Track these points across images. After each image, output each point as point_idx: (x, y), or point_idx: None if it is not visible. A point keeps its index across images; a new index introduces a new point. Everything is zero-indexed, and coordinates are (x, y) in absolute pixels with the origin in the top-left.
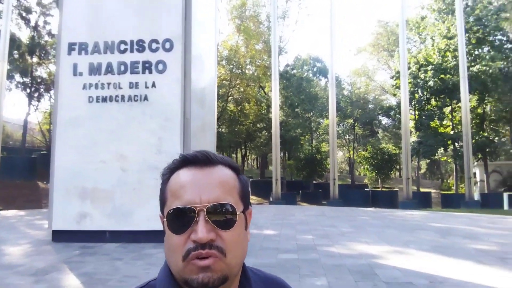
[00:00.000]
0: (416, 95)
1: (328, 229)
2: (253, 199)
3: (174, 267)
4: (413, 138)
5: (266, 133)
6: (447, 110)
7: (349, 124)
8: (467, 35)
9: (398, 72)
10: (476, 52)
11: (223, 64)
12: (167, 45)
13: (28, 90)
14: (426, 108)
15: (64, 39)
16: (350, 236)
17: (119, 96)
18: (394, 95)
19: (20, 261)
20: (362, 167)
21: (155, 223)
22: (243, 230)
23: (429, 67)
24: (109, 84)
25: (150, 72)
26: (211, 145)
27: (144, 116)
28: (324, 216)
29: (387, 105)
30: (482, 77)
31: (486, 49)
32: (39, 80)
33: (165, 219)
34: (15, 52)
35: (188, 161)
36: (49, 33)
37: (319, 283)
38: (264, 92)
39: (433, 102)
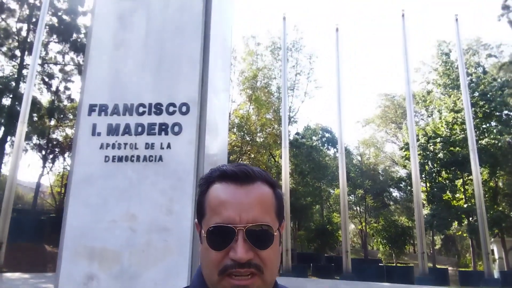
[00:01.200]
0: (427, 167)
1: None
2: None
3: (209, 280)
4: (426, 211)
5: None
6: (458, 182)
7: (359, 195)
8: (473, 109)
9: (407, 144)
10: (484, 126)
11: (234, 131)
12: (184, 109)
13: (43, 152)
14: (437, 180)
15: (86, 100)
16: None
17: (134, 156)
18: (404, 166)
19: None
20: (375, 240)
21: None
22: (277, 247)
23: (438, 140)
24: (125, 144)
25: (166, 133)
26: None
27: (157, 176)
28: None
29: (398, 176)
30: (492, 150)
31: (493, 123)
32: (54, 143)
33: (205, 235)
34: (35, 114)
35: (227, 175)
36: (69, 98)
37: None
38: (274, 159)
39: (444, 174)
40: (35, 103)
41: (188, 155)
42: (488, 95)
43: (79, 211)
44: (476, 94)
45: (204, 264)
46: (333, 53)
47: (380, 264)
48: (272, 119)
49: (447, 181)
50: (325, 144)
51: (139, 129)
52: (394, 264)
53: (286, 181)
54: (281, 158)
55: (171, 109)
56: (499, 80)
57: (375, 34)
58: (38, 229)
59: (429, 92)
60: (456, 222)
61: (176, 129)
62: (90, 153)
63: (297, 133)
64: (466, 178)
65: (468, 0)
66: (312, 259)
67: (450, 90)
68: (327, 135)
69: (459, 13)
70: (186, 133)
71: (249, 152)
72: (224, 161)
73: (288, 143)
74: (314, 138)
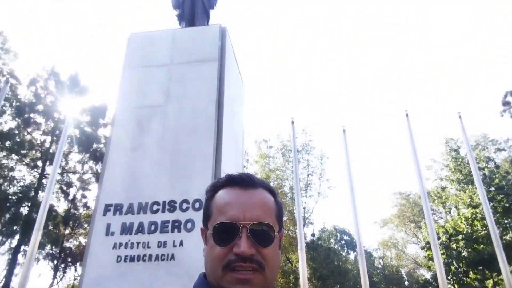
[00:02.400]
0: (452, 267)
1: None
2: None
3: (213, 276)
4: None
5: None
6: (489, 284)
7: None
8: (492, 204)
9: (428, 243)
10: (506, 221)
11: None
12: (197, 205)
13: (55, 262)
14: (465, 282)
15: (102, 201)
16: None
17: (146, 255)
18: (429, 267)
19: None
20: None
21: None
22: (278, 248)
23: (460, 237)
24: (138, 243)
25: (179, 231)
26: None
27: (169, 276)
28: None
29: (423, 279)
30: None
31: None
32: (67, 252)
33: (211, 232)
34: (50, 223)
35: (233, 180)
36: (85, 205)
37: None
38: (291, 263)
39: (471, 274)
40: (51, 211)
41: (201, 253)
42: (505, 188)
43: None
44: (492, 188)
45: (209, 262)
46: (342, 154)
47: None
48: (287, 220)
49: (476, 282)
50: (344, 247)
51: (153, 227)
52: None
53: (305, 286)
54: (297, 261)
55: (184, 205)
56: None
57: (382, 133)
58: None
59: (443, 189)
60: None
61: (189, 225)
62: (103, 254)
63: (313, 234)
64: (496, 278)
65: (469, 98)
66: None
67: (465, 185)
68: (345, 237)
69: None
70: (199, 230)
71: None
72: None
73: (305, 245)
74: (332, 240)
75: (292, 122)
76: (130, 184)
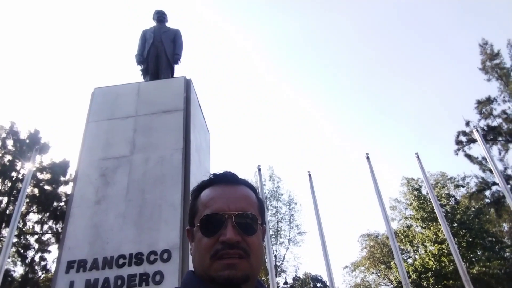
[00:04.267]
0: None
1: None
2: None
3: (201, 267)
4: None
5: None
6: None
7: None
8: (456, 239)
9: (399, 282)
10: (472, 255)
11: None
12: (165, 256)
13: None
14: None
15: (64, 257)
16: None
17: None
18: None
19: None
20: None
21: None
22: (261, 240)
23: (429, 273)
24: None
25: (147, 284)
26: None
27: None
28: None
29: None
30: (485, 278)
31: (479, 251)
32: None
33: (198, 225)
34: None
35: (217, 178)
36: (44, 268)
37: None
38: None
39: None
40: (7, 276)
41: None
42: (467, 223)
43: None
44: (455, 224)
45: (197, 255)
46: (309, 198)
47: None
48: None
49: None
50: None
51: (119, 282)
52: None
53: None
54: None
55: (152, 257)
56: (472, 209)
57: (346, 175)
58: None
59: (409, 227)
60: None
61: (158, 278)
62: None
63: (285, 283)
64: None
65: (424, 138)
66: None
67: (429, 222)
68: (318, 285)
69: (419, 151)
70: (168, 282)
71: None
72: None
73: None
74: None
75: (259, 169)
76: (94, 238)
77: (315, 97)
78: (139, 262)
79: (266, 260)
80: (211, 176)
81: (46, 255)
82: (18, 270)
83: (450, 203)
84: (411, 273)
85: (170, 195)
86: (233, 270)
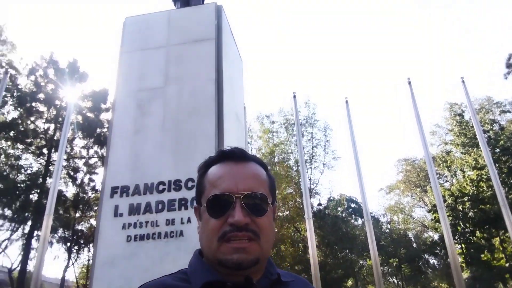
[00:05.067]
0: (459, 228)
1: None
2: None
3: (208, 249)
4: (466, 274)
5: (306, 276)
6: (496, 241)
7: (394, 264)
8: (497, 165)
9: (434, 206)
10: (511, 181)
11: None
12: None
13: (68, 244)
14: (472, 241)
15: (108, 184)
16: None
17: (156, 233)
18: (436, 229)
19: None
20: None
21: None
22: (272, 219)
23: (466, 198)
24: (147, 222)
25: (186, 208)
26: None
27: (179, 251)
28: None
29: (430, 241)
30: None
31: None
32: (79, 234)
33: (205, 205)
34: (60, 207)
35: (225, 155)
36: (93, 189)
37: None
38: (300, 233)
39: (478, 234)
40: (60, 196)
41: None
42: (510, 149)
43: None
44: (497, 150)
45: (204, 236)
46: (346, 124)
47: None
48: (293, 192)
49: (483, 241)
50: (352, 215)
51: (160, 206)
52: None
53: (313, 253)
54: (306, 230)
55: (189, 184)
56: None
57: (385, 102)
58: None
59: (448, 153)
60: (501, 284)
61: (195, 203)
62: (113, 235)
63: (320, 204)
64: (503, 236)
65: (472, 62)
66: None
67: (469, 148)
68: (353, 205)
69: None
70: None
71: None
72: None
73: (312, 215)
74: (339, 208)
75: (294, 96)
76: (135, 166)
77: (354, 19)
78: (177, 188)
79: (301, 183)
80: (219, 151)
81: (94, 176)
82: (70, 191)
83: (494, 128)
84: (447, 197)
85: (204, 126)
86: (243, 254)
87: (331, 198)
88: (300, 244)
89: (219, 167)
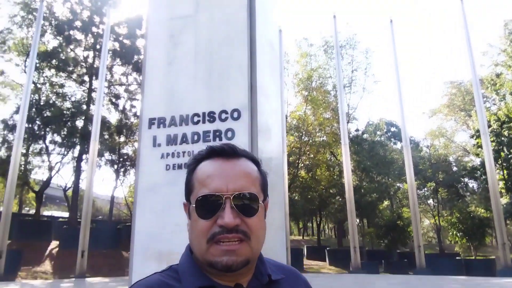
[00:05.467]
0: (502, 154)
1: None
2: (331, 269)
3: (198, 250)
4: (505, 200)
5: (340, 199)
6: None
7: (431, 188)
8: None
9: (478, 131)
10: None
11: (292, 133)
12: (235, 115)
13: (115, 167)
14: None
15: (145, 115)
16: None
17: None
18: (477, 155)
19: None
20: (450, 233)
21: None
22: (263, 218)
23: None
24: (184, 152)
25: (220, 139)
26: (280, 213)
27: None
28: (408, 285)
29: (471, 165)
30: None
31: None
32: (125, 157)
33: (193, 205)
34: (105, 133)
35: (215, 152)
36: (135, 115)
37: None
38: (336, 157)
39: None
40: (104, 122)
41: None
42: None
43: (146, 217)
44: None
45: (193, 237)
46: (389, 45)
47: (457, 258)
48: (330, 117)
49: None
50: (391, 139)
51: (195, 137)
52: (473, 258)
53: (348, 178)
54: (342, 156)
55: (223, 116)
56: None
57: (432, 21)
58: (115, 237)
59: (498, 75)
60: None
61: (229, 134)
62: (152, 164)
63: (357, 129)
64: None
65: None
66: (383, 255)
67: None
68: (392, 129)
69: None
70: (239, 138)
71: (308, 153)
72: (280, 164)
73: (349, 140)
74: (378, 133)
75: (334, 17)
76: (170, 98)
77: None
78: (211, 120)
79: (338, 108)
80: (208, 148)
81: (135, 103)
82: (113, 117)
83: None
84: (492, 122)
85: (237, 56)
86: (233, 257)
87: (370, 123)
88: (335, 168)
89: (209, 164)
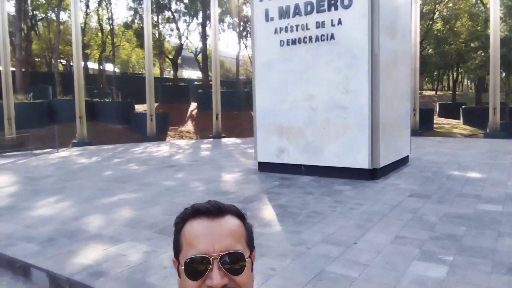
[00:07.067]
0: None
1: None
2: (465, 129)
3: None
4: None
5: (483, 53)
6: None
7: None
8: None
9: None
10: None
11: None
12: None
13: (237, 30)
14: None
15: None
16: None
17: (307, 37)
18: None
19: (233, 188)
20: None
21: (344, 160)
22: (250, 272)
23: None
24: (297, 26)
25: (336, 8)
26: (405, 78)
27: (331, 55)
28: None
29: None
30: None
31: None
32: (246, 20)
33: (182, 267)
34: None
35: (200, 212)
36: None
37: None
38: (482, 3)
39: None
40: None
41: (360, 30)
42: None
43: (264, 94)
44: None
45: None
46: None
47: None
48: None
49: None
50: None
51: (308, 7)
52: None
53: (495, 29)
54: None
55: None
56: None
57: None
58: (244, 98)
59: None
60: None
61: (346, 1)
62: (266, 39)
63: None
64: None
65: None
66: None
67: None
68: None
69: None
70: (358, 5)
71: (447, 1)
72: (407, 24)
73: None
74: None
75: None
76: None
77: None
78: None
79: None
80: (192, 208)
81: None
82: None
83: None
84: None
85: None
86: None
87: None
88: (480, 18)
89: (195, 224)
